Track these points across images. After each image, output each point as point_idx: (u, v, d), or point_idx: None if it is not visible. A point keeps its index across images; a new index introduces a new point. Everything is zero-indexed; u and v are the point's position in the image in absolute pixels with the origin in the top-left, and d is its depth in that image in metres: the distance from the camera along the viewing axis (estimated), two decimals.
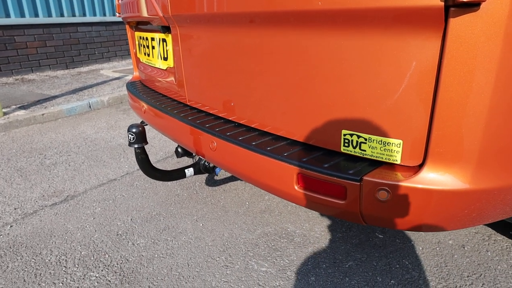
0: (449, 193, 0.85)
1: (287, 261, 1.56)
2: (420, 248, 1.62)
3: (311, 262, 1.55)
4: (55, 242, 1.75)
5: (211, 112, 1.46)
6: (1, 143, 3.20)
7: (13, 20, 5.45)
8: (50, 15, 5.86)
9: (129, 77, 5.61)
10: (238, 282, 1.45)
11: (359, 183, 0.91)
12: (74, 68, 6.38)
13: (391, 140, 0.90)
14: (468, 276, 1.44)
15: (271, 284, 1.44)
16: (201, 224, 1.86)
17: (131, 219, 1.92)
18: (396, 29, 0.81)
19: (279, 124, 1.15)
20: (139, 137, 1.45)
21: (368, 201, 0.92)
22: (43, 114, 3.82)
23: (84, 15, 6.34)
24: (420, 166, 0.89)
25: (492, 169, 0.85)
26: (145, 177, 2.43)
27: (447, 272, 1.47)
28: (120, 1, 2.10)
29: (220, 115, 1.41)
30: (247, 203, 2.05)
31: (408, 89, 0.84)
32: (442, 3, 0.73)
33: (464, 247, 1.61)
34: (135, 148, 1.47)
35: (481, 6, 0.72)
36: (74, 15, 6.17)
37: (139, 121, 3.78)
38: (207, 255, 1.62)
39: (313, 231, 1.77)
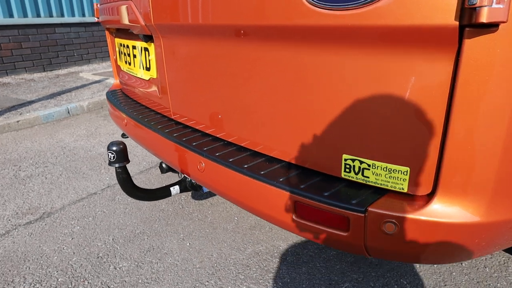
0: (460, 226, 0.79)
1: (280, 284, 1.48)
2: (418, 266, 1.56)
3: (306, 284, 1.47)
4: (29, 268, 1.62)
5: (198, 128, 1.36)
6: None
7: None
8: (25, 15, 5.62)
9: (110, 81, 5.43)
10: None
11: (363, 215, 0.83)
12: (52, 70, 6.14)
13: (397, 167, 0.83)
14: None
15: None
16: (188, 244, 1.76)
17: (112, 239, 1.81)
18: (404, 49, 0.74)
19: (273, 144, 1.07)
20: (120, 156, 1.34)
21: (374, 233, 0.84)
22: (18, 121, 3.63)
23: (62, 15, 6.11)
24: (429, 195, 0.82)
25: (505, 201, 0.78)
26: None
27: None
28: (98, 6, 1.97)
29: (207, 131, 1.31)
30: (236, 218, 1.96)
31: (416, 113, 0.77)
32: (457, 23, 0.66)
33: (461, 264, 1.56)
34: (116, 167, 1.36)
35: (499, 27, 0.65)
36: (51, 16, 5.94)
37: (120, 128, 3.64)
38: (195, 279, 1.52)
39: (306, 249, 1.70)
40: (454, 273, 1.51)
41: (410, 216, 0.80)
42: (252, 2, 0.92)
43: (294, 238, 1.78)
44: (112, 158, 1.34)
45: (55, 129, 3.62)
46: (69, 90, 4.89)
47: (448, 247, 0.82)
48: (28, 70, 5.82)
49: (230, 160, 1.10)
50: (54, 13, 5.96)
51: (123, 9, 1.50)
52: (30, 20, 5.62)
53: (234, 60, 1.08)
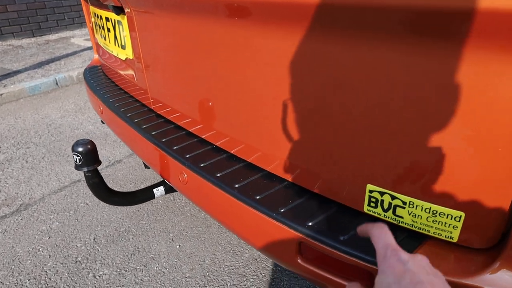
0: None
1: None
2: None
3: None
4: None
5: (180, 124, 1.11)
6: None
7: None
8: None
9: None
10: None
11: None
12: (41, 35, 5.77)
13: (447, 211, 0.59)
14: None
15: None
16: (178, 246, 1.56)
17: (94, 239, 1.61)
18: (480, 42, 0.47)
19: (273, 154, 0.82)
20: (89, 158, 1.10)
21: None
22: (1, 94, 3.37)
23: None
24: (489, 250, 0.59)
25: None
26: (115, 178, 2.09)
27: None
28: None
29: (192, 130, 1.06)
30: None
31: (484, 135, 0.51)
32: None
33: None
34: (84, 172, 1.13)
35: None
36: None
37: None
38: None
39: None
40: None
41: (464, 281, 0.56)
42: None
43: None
44: (78, 162, 1.10)
45: (42, 103, 3.36)
46: (59, 58, 4.57)
47: None
48: (16, 35, 5.46)
49: (218, 175, 0.86)
50: None
51: None
52: None
53: (225, 45, 0.81)
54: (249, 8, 0.70)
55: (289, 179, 0.81)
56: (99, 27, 1.56)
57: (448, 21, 0.46)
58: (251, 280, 1.38)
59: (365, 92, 0.59)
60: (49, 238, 1.63)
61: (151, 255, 1.51)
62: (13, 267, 1.47)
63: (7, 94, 3.41)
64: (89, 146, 1.10)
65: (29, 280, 1.41)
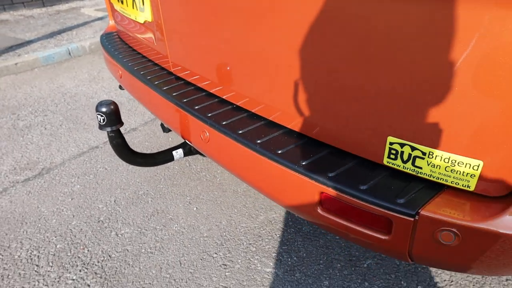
0: None
1: (295, 258, 1.35)
2: None
3: (324, 261, 1.33)
4: (26, 232, 1.52)
5: (201, 86, 1.13)
6: None
7: None
8: None
9: None
10: None
11: (413, 219, 0.64)
12: (51, 5, 5.74)
13: (465, 160, 0.61)
14: (507, 279, 1.24)
15: None
16: (195, 208, 1.62)
17: (114, 201, 1.68)
18: None
19: (294, 112, 0.84)
20: (112, 118, 1.14)
21: (423, 241, 0.65)
22: (16, 64, 3.41)
23: None
24: (505, 198, 0.61)
25: None
26: (131, 145, 2.14)
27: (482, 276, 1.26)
28: None
29: (213, 91, 1.09)
30: None
31: (501, 80, 0.53)
32: None
33: None
34: (107, 132, 1.17)
35: None
36: None
37: None
38: (202, 250, 1.40)
39: None
40: None
41: (478, 225, 0.59)
42: None
43: None
44: (102, 121, 1.14)
45: (56, 73, 3.40)
46: (70, 28, 4.57)
47: None
48: (27, 5, 5.44)
49: (240, 132, 0.89)
50: None
51: None
52: None
53: (248, 4, 0.82)
54: None
55: (310, 135, 0.83)
56: None
57: None
58: (266, 240, 1.43)
59: (385, 39, 0.60)
60: (71, 199, 1.70)
61: (170, 216, 1.58)
62: (39, 225, 1.55)
63: (22, 64, 3.45)
64: (112, 107, 1.14)
65: (55, 237, 1.48)
